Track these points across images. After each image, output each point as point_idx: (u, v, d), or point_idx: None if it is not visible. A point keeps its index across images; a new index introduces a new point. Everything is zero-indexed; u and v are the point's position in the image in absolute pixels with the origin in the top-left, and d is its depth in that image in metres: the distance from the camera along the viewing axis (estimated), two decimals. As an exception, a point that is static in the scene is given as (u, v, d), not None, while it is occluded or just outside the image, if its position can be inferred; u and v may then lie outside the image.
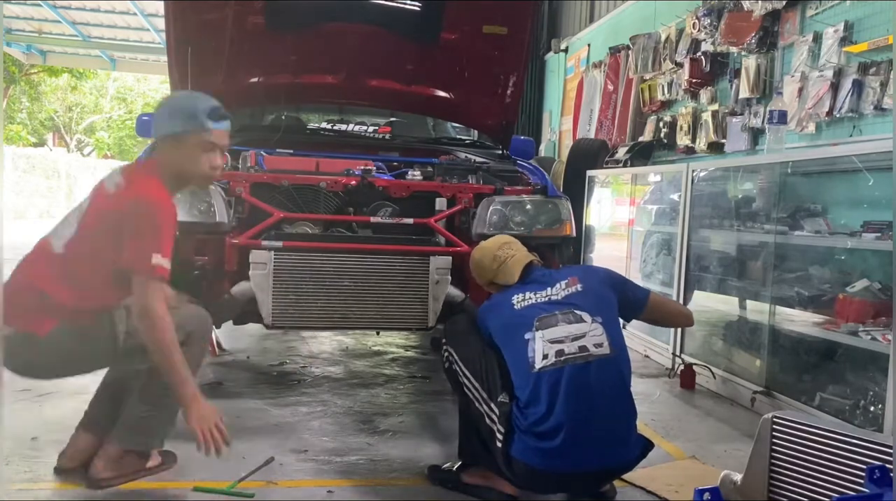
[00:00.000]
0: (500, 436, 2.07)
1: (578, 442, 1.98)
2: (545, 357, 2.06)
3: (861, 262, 3.10)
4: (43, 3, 11.97)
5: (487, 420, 2.13)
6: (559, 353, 2.06)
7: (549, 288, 2.26)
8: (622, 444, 2.08)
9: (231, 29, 3.28)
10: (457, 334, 2.37)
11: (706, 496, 1.62)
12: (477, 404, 2.17)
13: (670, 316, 2.67)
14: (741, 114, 4.72)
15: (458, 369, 2.26)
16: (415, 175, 3.13)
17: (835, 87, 3.76)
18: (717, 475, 2.26)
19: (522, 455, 2.03)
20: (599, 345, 2.09)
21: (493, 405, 2.12)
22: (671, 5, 5.83)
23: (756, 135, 4.59)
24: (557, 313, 2.15)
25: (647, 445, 2.14)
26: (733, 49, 4.75)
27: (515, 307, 2.23)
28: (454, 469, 2.33)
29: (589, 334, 2.10)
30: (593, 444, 2.01)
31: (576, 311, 2.16)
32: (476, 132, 4.32)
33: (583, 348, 2.07)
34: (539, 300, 2.22)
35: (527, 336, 2.12)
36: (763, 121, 4.38)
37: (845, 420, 2.80)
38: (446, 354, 2.33)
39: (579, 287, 2.24)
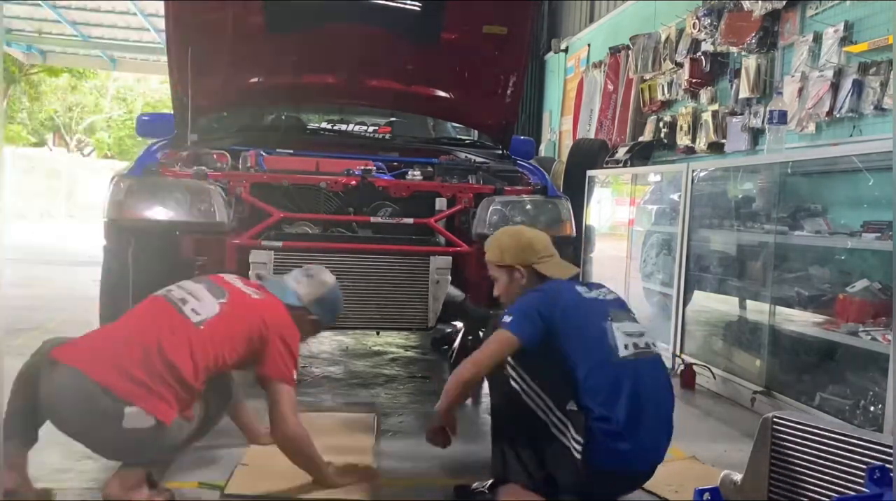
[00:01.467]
0: (577, 447, 1.91)
1: (651, 438, 2.00)
2: (626, 347, 2.02)
3: (861, 262, 3.10)
4: (43, 3, 11.97)
5: (555, 431, 1.96)
6: (635, 346, 2.04)
7: (599, 289, 2.21)
8: (670, 437, 2.11)
9: (231, 29, 3.28)
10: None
11: (706, 496, 1.62)
12: (540, 413, 1.99)
13: None
14: (741, 114, 4.72)
15: (512, 373, 2.02)
16: (415, 175, 3.13)
17: (835, 87, 3.76)
18: (717, 475, 2.26)
19: (603, 463, 1.92)
20: (653, 345, 2.14)
21: (560, 414, 1.96)
22: (671, 5, 5.83)
23: (756, 135, 4.60)
24: (621, 310, 2.13)
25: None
26: (733, 49, 4.75)
27: (583, 295, 2.12)
28: (486, 488, 2.14)
29: (645, 334, 2.12)
30: (658, 438, 2.04)
31: (630, 312, 2.17)
32: (476, 132, 4.32)
33: (646, 345, 2.09)
34: (600, 296, 2.15)
35: (604, 324, 2.04)
36: (763, 121, 4.38)
37: (845, 420, 2.80)
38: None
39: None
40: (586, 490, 2.00)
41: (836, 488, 1.87)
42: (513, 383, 2.04)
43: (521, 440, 2.07)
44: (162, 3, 3.14)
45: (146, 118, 4.10)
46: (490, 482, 2.15)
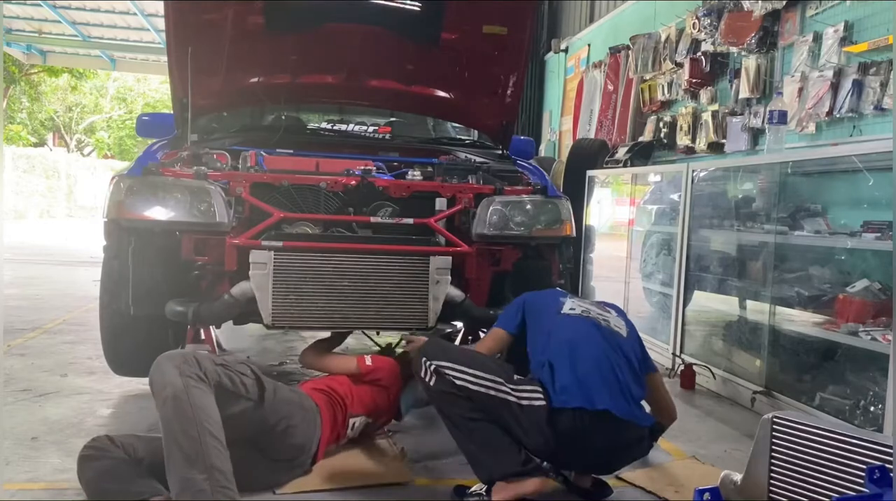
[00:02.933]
0: (539, 403, 2.12)
1: (603, 381, 2.17)
2: (571, 309, 2.43)
3: (861, 262, 3.10)
4: (43, 3, 11.98)
5: (514, 399, 2.13)
6: (584, 310, 2.43)
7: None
8: (636, 403, 2.22)
9: (231, 29, 3.28)
10: (438, 346, 2.31)
11: (706, 496, 1.62)
12: (494, 393, 2.13)
13: (660, 403, 2.57)
14: (741, 114, 4.72)
15: (456, 372, 2.15)
16: (415, 175, 3.13)
17: (835, 87, 3.76)
18: (717, 475, 2.26)
19: (563, 400, 2.12)
20: (619, 327, 2.41)
21: (511, 386, 2.15)
22: (671, 5, 5.83)
23: (756, 135, 4.60)
24: (590, 304, 2.54)
25: (656, 426, 2.30)
26: (733, 49, 4.75)
27: (561, 300, 2.53)
28: (483, 492, 2.17)
29: (612, 320, 2.43)
30: (613, 387, 2.17)
31: (607, 308, 2.53)
32: (476, 132, 4.31)
33: (605, 319, 2.41)
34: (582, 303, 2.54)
35: (560, 299, 2.51)
36: (763, 121, 4.38)
37: (845, 420, 2.80)
38: (432, 367, 2.18)
39: (612, 311, 2.55)
40: (560, 442, 2.12)
41: (836, 488, 1.87)
42: (459, 382, 2.15)
43: (485, 431, 2.13)
44: (162, 3, 3.14)
45: (146, 118, 4.10)
46: (485, 487, 2.18)
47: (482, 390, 2.14)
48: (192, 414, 1.85)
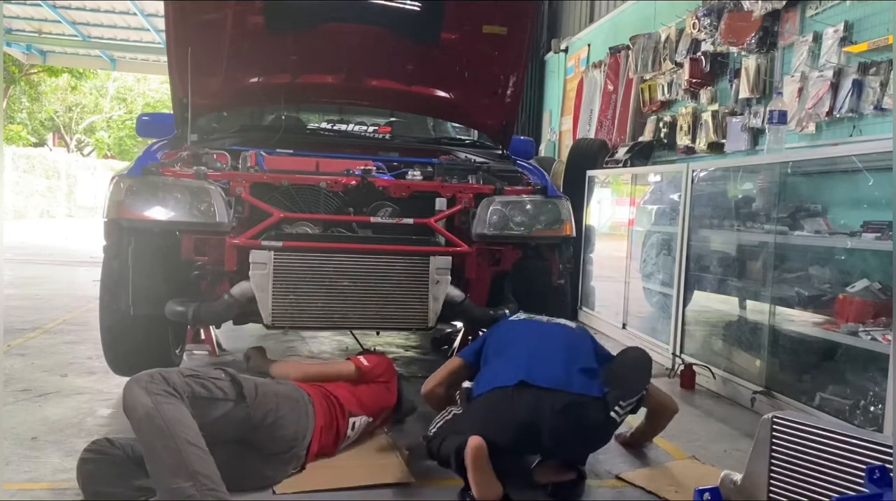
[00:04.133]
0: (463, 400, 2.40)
1: (530, 358, 2.33)
2: (518, 317, 2.73)
3: (861, 262, 3.10)
4: (43, 3, 11.98)
5: (455, 409, 2.46)
6: (530, 315, 2.71)
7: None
8: (582, 374, 2.29)
9: (231, 29, 3.28)
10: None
11: (706, 496, 1.62)
12: (448, 418, 2.41)
13: (654, 398, 2.62)
14: (741, 114, 4.72)
15: (432, 428, 2.42)
16: (415, 175, 3.13)
17: (835, 87, 3.76)
18: (717, 475, 2.26)
19: (482, 385, 2.31)
20: (567, 323, 2.64)
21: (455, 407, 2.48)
22: (671, 5, 5.83)
23: (756, 135, 4.60)
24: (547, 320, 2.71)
25: (610, 396, 2.24)
26: (733, 49, 4.75)
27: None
28: None
29: (562, 320, 2.67)
30: (542, 361, 2.32)
31: (565, 322, 2.69)
32: (476, 132, 4.32)
33: (552, 320, 2.65)
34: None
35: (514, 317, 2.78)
36: (763, 121, 4.38)
37: (845, 420, 2.80)
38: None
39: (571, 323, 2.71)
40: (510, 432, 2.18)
41: (836, 488, 1.87)
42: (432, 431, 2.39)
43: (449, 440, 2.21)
44: (162, 3, 3.14)
45: (146, 118, 4.10)
46: None
47: (441, 424, 2.40)
48: (167, 427, 1.88)
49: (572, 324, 2.65)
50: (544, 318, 2.68)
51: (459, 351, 2.67)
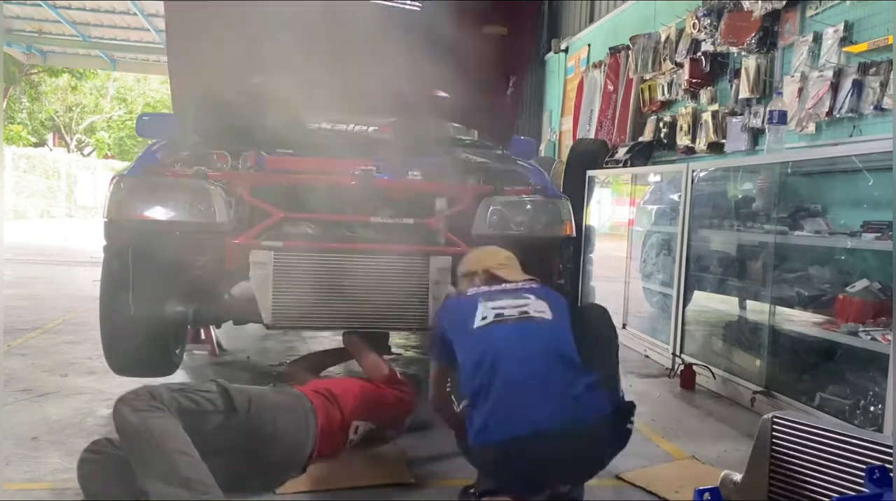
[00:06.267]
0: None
1: (517, 396, 2.00)
2: (484, 317, 2.18)
3: (861, 262, 3.10)
4: (43, 3, 11.99)
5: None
6: (498, 314, 2.19)
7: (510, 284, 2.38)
8: (579, 397, 2.01)
9: (231, 29, 3.27)
10: None
11: (706, 496, 1.62)
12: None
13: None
14: (741, 114, 4.72)
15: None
16: (415, 175, 3.13)
17: (835, 87, 3.76)
18: (717, 475, 2.26)
19: (478, 438, 2.00)
20: (541, 311, 2.20)
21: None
22: (671, 5, 5.83)
23: (756, 135, 4.60)
24: (509, 293, 2.29)
25: (624, 405, 2.14)
26: (733, 49, 4.75)
27: (475, 307, 2.27)
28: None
29: (532, 306, 2.21)
30: (539, 396, 1.99)
31: (524, 294, 2.27)
32: (476, 132, 4.31)
33: (523, 311, 2.20)
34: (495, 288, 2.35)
35: (475, 306, 2.24)
36: (763, 121, 4.38)
37: (845, 420, 2.80)
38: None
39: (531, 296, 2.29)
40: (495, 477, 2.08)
41: (836, 488, 1.87)
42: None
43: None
44: (162, 3, 3.14)
45: (146, 118, 4.09)
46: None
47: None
48: (155, 440, 1.89)
49: (549, 312, 2.22)
50: (518, 310, 2.22)
51: (432, 354, 2.44)
